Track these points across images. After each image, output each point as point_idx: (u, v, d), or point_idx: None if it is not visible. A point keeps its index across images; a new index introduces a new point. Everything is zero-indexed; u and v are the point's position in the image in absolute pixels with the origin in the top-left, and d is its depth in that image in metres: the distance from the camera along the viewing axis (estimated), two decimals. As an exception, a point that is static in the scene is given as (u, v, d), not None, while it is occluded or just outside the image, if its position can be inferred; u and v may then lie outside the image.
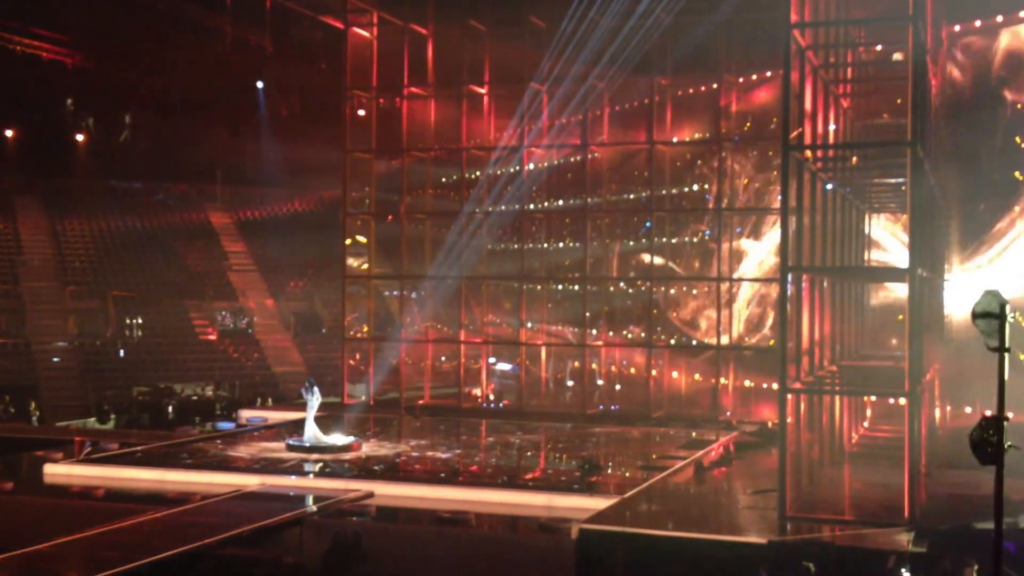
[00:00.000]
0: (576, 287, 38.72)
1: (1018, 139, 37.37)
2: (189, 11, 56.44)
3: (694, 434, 31.53)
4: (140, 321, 46.10)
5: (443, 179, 41.86)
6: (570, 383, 40.04)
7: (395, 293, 42.49)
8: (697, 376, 37.48)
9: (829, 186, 25.03)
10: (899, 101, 27.12)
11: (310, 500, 22.35)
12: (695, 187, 39.45)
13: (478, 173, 37.74)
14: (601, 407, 36.94)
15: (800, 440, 21.44)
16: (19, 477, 25.56)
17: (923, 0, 22.54)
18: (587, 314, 37.19)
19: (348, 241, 39.87)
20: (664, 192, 37.52)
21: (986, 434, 13.65)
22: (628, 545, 18.96)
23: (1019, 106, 36.89)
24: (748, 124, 37.68)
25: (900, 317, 30.28)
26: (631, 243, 39.83)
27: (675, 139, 37.75)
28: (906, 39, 20.94)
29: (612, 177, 39.14)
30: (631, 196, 39.45)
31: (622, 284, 39.76)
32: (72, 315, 45.18)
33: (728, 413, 34.39)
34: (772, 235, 36.19)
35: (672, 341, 38.30)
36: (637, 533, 19.47)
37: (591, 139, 36.85)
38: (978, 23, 36.21)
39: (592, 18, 34.42)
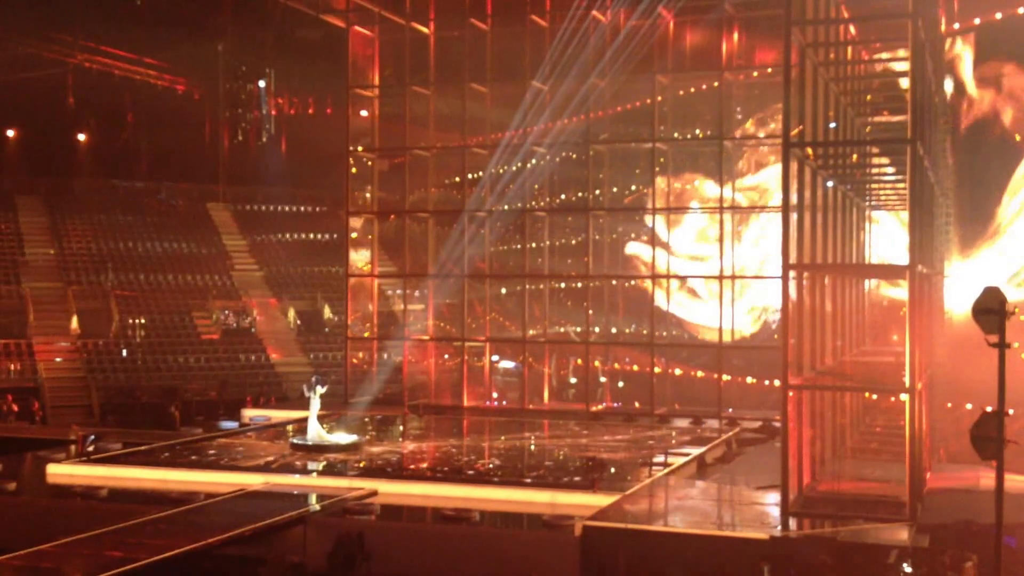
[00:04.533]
0: (578, 284, 38.73)
1: (1018, 136, 37.44)
2: (191, 10, 56.52)
3: (697, 430, 31.57)
4: (143, 321, 46.15)
5: (445, 180, 41.89)
6: (573, 380, 40.07)
7: (398, 292, 42.54)
8: (700, 373, 37.53)
9: (830, 183, 25.06)
10: (902, 94, 27.14)
11: (313, 499, 22.38)
12: (696, 183, 39.51)
13: (480, 173, 37.78)
14: (604, 404, 36.97)
15: (802, 436, 21.47)
16: (22, 477, 25.58)
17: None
18: (589, 312, 37.22)
19: (352, 237, 39.87)
20: (666, 188, 37.54)
21: (987, 429, 13.73)
22: (631, 542, 19.02)
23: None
24: (749, 121, 37.73)
25: (902, 311, 30.31)
26: (632, 235, 39.83)
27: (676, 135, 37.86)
28: (906, 36, 20.97)
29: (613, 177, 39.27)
30: (633, 188, 39.51)
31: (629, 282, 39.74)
32: (74, 315, 45.23)
33: (731, 410, 34.40)
34: (773, 232, 36.22)
35: (675, 332, 38.33)
36: (640, 530, 19.53)
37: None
38: (977, 20, 36.30)
39: (592, 17, 34.51)
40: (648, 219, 37.36)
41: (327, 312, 49.18)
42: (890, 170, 28.02)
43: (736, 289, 36.14)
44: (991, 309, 13.64)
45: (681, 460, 26.23)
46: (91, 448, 27.02)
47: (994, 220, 39.50)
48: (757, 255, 37.35)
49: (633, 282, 38.63)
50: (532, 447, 30.18)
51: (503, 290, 41.12)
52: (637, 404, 36.33)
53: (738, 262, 36.42)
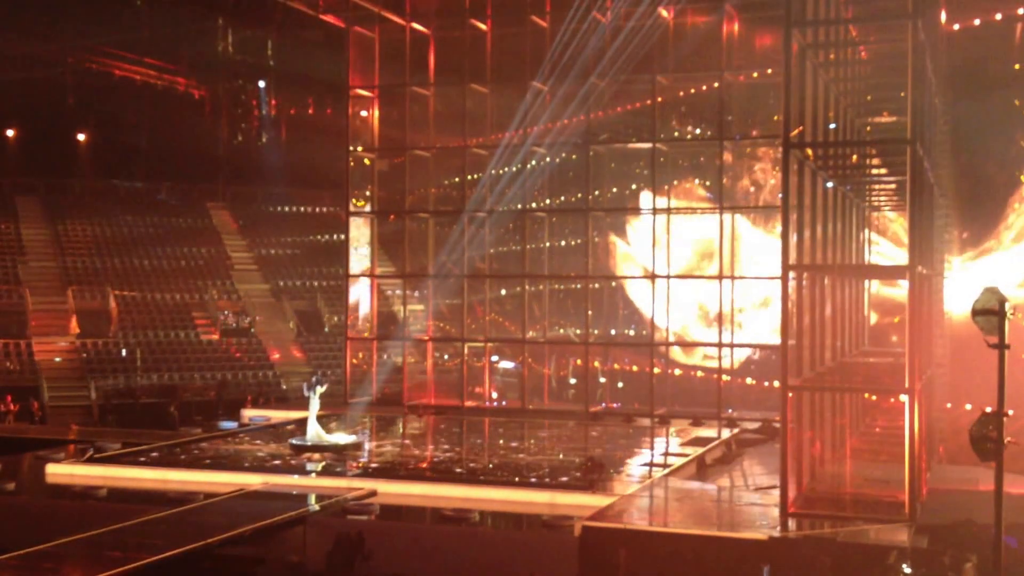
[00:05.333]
0: (577, 285, 38.71)
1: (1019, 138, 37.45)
2: (191, 9, 56.54)
3: (696, 431, 31.56)
4: (142, 320, 46.19)
5: (445, 181, 41.90)
6: (572, 381, 40.06)
7: (398, 292, 42.54)
8: (700, 373, 37.52)
9: (829, 184, 25.07)
10: (901, 94, 27.15)
11: (313, 499, 22.38)
12: (696, 182, 39.53)
13: (479, 175, 37.78)
14: (603, 404, 36.97)
15: (801, 437, 21.48)
16: (22, 477, 25.58)
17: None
18: (589, 312, 37.23)
19: (351, 239, 39.84)
20: (667, 188, 37.54)
21: (986, 430, 13.73)
22: (631, 542, 19.01)
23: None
24: (749, 122, 37.72)
25: (896, 319, 30.34)
26: (633, 235, 39.84)
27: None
28: (906, 37, 20.97)
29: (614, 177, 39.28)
30: (634, 187, 39.53)
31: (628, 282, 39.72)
32: (74, 315, 45.26)
33: (730, 410, 34.39)
34: (773, 233, 36.23)
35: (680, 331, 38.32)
36: (639, 530, 19.53)
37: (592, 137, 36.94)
38: (977, 21, 36.31)
39: (593, 17, 34.53)
40: (648, 220, 37.34)
41: (327, 312, 49.22)
42: (890, 171, 28.01)
43: (735, 292, 36.16)
44: (990, 310, 13.65)
45: (680, 460, 26.23)
46: (89, 455, 26.98)
47: (995, 222, 39.50)
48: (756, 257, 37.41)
49: (632, 283, 38.62)
50: (532, 447, 30.16)
51: (503, 291, 41.13)
52: (636, 405, 36.30)
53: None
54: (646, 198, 37.55)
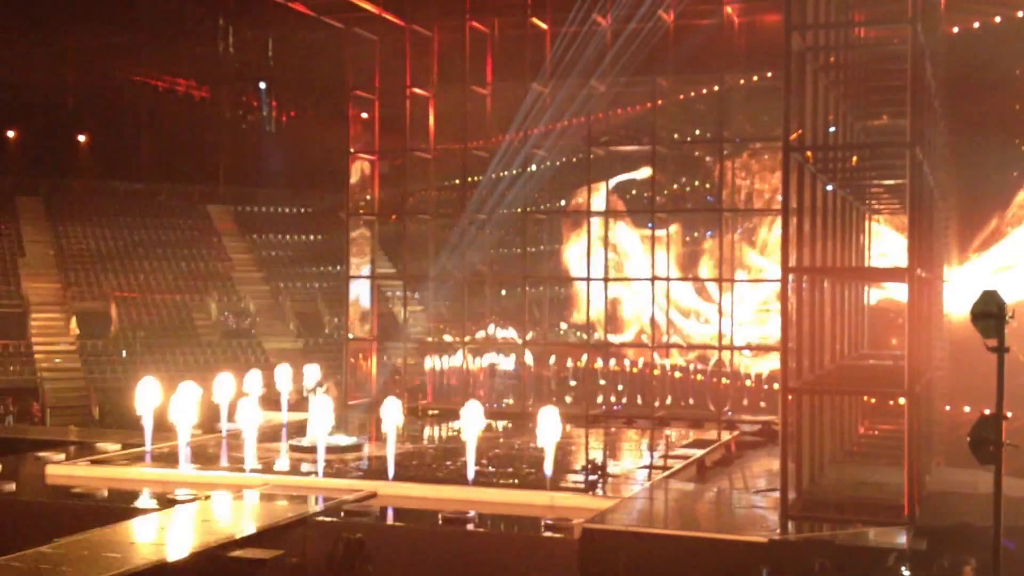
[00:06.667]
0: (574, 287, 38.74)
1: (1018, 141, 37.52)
2: (191, 10, 56.57)
3: (696, 433, 31.57)
4: (142, 321, 46.20)
5: (445, 183, 41.92)
6: (572, 383, 40.05)
7: (398, 294, 42.56)
8: (700, 376, 37.53)
9: (829, 187, 25.10)
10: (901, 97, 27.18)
11: (313, 500, 22.39)
12: (696, 183, 39.57)
13: (479, 177, 37.81)
14: (603, 407, 36.96)
15: (801, 439, 21.50)
16: (22, 478, 25.56)
17: (923, 1, 22.60)
18: (588, 313, 37.24)
19: (351, 241, 39.86)
20: (666, 191, 37.58)
21: (985, 433, 13.76)
22: (631, 544, 19.03)
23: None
24: (749, 125, 37.78)
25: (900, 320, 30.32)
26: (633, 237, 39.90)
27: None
28: (907, 39, 21.00)
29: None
30: (634, 190, 39.58)
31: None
32: (74, 316, 45.27)
33: (730, 412, 34.40)
34: (771, 236, 36.28)
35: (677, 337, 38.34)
36: (640, 532, 19.55)
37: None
38: (977, 24, 36.41)
39: (593, 20, 34.58)
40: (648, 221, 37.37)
41: (327, 313, 49.24)
42: (890, 174, 28.06)
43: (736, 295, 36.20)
44: (989, 313, 13.67)
45: (680, 463, 26.24)
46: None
47: (995, 225, 39.58)
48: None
49: (634, 284, 38.66)
50: (531, 449, 30.16)
51: (503, 292, 41.13)
52: (637, 406, 36.31)
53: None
54: (647, 200, 37.54)
